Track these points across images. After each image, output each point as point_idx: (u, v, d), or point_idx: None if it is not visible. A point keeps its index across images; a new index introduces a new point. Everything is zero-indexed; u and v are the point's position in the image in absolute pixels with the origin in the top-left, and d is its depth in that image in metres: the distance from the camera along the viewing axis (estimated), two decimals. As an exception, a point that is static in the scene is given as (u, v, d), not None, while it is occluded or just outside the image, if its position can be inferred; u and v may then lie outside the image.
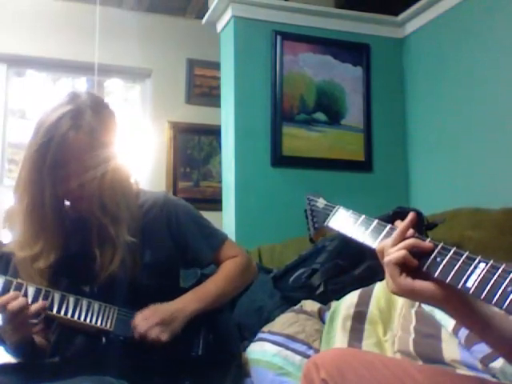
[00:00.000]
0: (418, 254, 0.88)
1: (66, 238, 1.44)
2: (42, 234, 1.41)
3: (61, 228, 1.43)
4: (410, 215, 0.92)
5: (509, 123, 2.41)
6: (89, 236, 1.44)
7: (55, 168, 1.37)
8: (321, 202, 1.20)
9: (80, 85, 4.29)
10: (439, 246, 0.87)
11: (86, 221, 1.44)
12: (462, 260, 0.83)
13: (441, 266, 0.85)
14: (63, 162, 1.37)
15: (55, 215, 1.41)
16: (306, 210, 1.24)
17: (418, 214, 2.00)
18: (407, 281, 0.87)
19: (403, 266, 0.88)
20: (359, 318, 1.64)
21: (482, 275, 0.79)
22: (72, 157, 1.37)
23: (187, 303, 1.48)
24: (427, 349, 1.41)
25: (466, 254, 0.83)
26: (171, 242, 1.56)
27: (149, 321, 1.41)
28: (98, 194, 1.40)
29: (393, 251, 0.89)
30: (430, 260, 0.86)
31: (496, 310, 0.91)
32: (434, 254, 0.86)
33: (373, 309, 1.64)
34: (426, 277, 0.87)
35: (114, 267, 1.42)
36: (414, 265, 0.88)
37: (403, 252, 0.88)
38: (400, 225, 0.93)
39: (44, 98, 4.13)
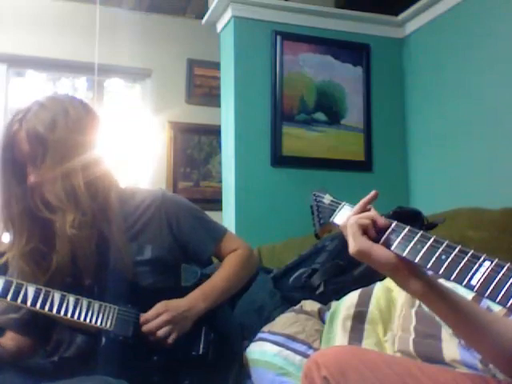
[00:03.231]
0: (377, 229, 0.99)
1: (34, 233, 1.45)
2: (11, 225, 1.44)
3: (30, 224, 1.44)
4: (372, 193, 1.03)
5: (509, 124, 2.41)
6: (52, 230, 1.44)
7: (12, 163, 1.42)
8: (327, 199, 1.20)
9: (80, 85, 4.29)
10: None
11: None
12: (467, 258, 0.83)
13: (445, 264, 0.85)
14: (15, 157, 1.42)
15: (24, 213, 1.43)
16: (311, 206, 1.23)
17: (418, 214, 2.01)
18: (368, 242, 0.97)
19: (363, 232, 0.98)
20: (359, 318, 1.64)
21: (486, 273, 0.80)
22: (19, 151, 1.42)
23: (197, 302, 1.49)
24: (427, 349, 1.41)
25: (471, 251, 0.84)
26: (172, 238, 1.56)
27: (160, 318, 1.42)
28: (38, 189, 1.42)
29: (356, 217, 0.99)
30: (434, 257, 0.87)
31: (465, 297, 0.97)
32: (439, 251, 0.87)
33: (373, 309, 1.64)
34: None
35: (65, 258, 1.42)
36: (372, 235, 0.98)
37: (367, 221, 0.98)
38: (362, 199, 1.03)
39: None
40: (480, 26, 2.59)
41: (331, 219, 1.14)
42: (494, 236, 1.90)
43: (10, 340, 1.52)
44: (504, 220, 1.96)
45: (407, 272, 0.94)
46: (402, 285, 0.97)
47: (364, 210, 1.02)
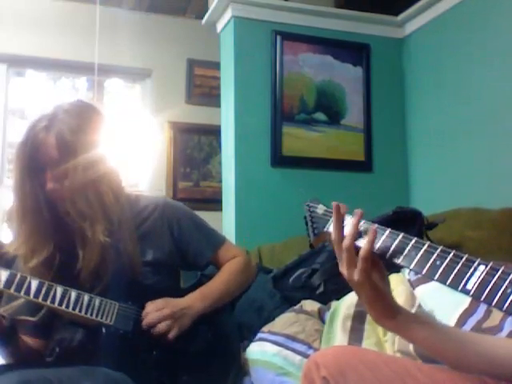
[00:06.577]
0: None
1: (54, 238, 1.47)
2: (32, 233, 1.46)
3: (47, 227, 1.47)
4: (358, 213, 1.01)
5: (509, 124, 2.41)
6: (73, 236, 1.47)
7: (34, 168, 1.45)
8: (320, 208, 1.20)
9: (80, 85, 4.29)
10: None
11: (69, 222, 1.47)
12: (461, 263, 0.84)
13: (440, 269, 0.86)
14: (39, 163, 1.44)
15: (41, 214, 1.46)
16: (305, 217, 1.24)
17: (418, 214, 2.01)
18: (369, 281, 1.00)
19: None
20: (359, 317, 1.64)
21: (481, 277, 0.80)
22: (45, 157, 1.44)
23: (195, 302, 1.52)
24: (427, 349, 1.41)
25: (466, 256, 0.84)
26: (172, 244, 1.60)
27: (161, 312, 1.45)
28: (69, 196, 1.44)
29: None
30: (429, 263, 0.88)
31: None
32: (434, 257, 0.88)
33: (373, 309, 1.64)
34: None
35: (92, 266, 1.45)
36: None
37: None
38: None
39: (44, 98, 4.13)
40: (480, 26, 2.59)
41: (325, 228, 1.15)
42: (494, 236, 1.91)
43: (30, 340, 1.54)
44: (504, 220, 1.96)
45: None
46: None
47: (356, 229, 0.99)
